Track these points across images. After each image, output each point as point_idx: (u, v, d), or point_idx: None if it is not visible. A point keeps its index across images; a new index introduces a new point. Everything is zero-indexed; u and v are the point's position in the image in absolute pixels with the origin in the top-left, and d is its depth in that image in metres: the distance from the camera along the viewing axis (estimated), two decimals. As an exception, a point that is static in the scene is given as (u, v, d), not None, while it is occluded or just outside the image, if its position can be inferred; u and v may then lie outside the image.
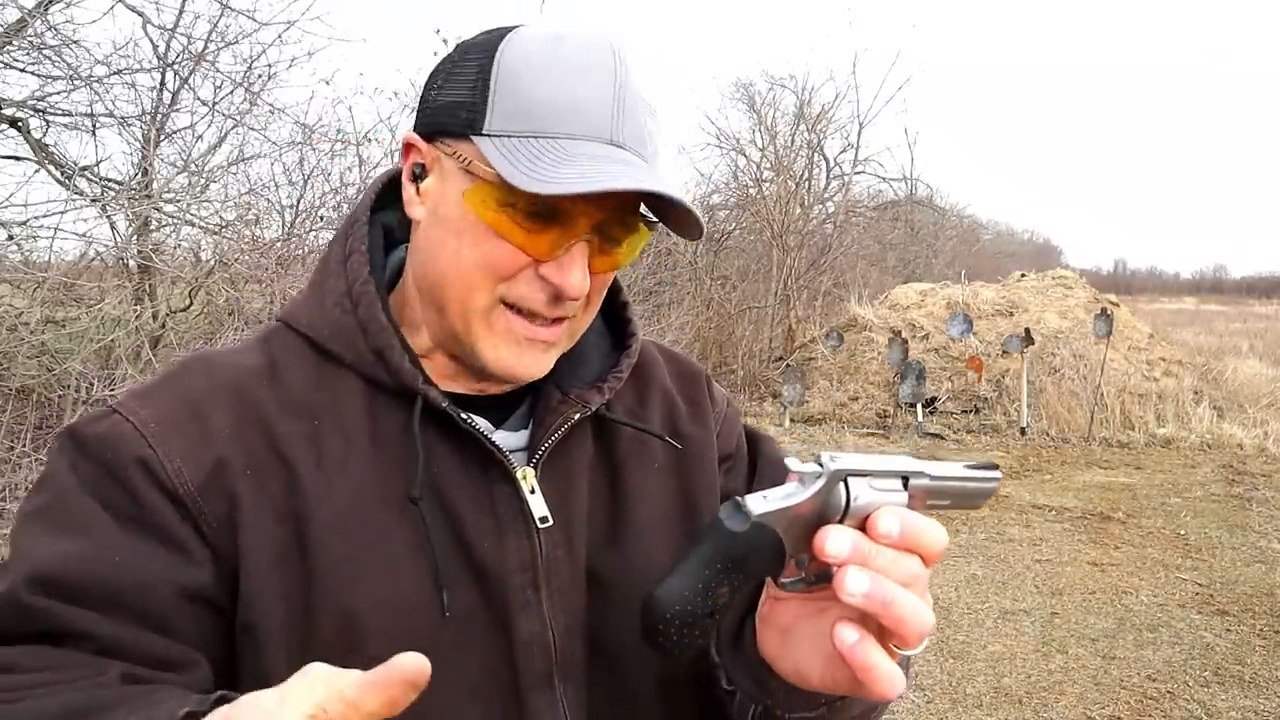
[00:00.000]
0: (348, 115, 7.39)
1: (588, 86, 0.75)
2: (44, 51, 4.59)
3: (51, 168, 4.94)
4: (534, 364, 0.80)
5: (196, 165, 5.43)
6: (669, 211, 0.77)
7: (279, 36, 5.30)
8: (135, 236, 5.24)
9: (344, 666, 0.63)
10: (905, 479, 0.66)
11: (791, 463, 0.65)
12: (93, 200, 4.90)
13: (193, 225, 5.42)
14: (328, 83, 7.59)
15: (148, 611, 0.69)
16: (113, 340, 4.74)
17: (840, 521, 0.63)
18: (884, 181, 16.16)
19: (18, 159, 4.94)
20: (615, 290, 0.94)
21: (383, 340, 0.78)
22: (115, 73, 4.90)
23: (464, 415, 0.78)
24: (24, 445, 4.47)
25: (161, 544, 0.70)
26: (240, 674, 0.72)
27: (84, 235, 4.83)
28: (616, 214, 0.76)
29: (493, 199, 0.74)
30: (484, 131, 0.74)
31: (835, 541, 0.62)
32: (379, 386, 0.79)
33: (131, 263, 5.32)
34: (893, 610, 0.61)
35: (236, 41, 5.32)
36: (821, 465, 0.64)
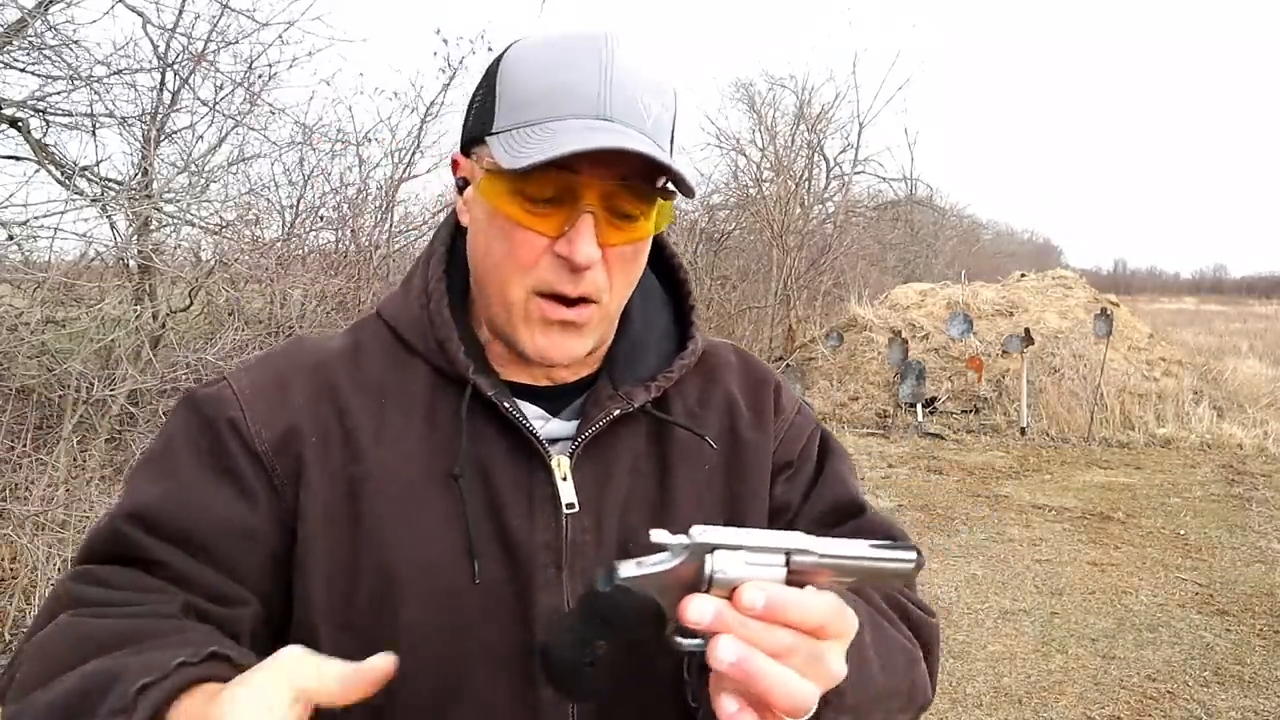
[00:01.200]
0: (348, 115, 7.38)
1: (573, 69, 0.80)
2: (44, 51, 4.59)
3: (51, 168, 4.93)
4: (566, 346, 0.85)
5: (196, 165, 5.43)
6: (678, 179, 0.80)
7: (279, 36, 5.30)
8: (135, 236, 5.24)
9: (378, 622, 0.82)
10: (788, 555, 0.66)
11: (661, 535, 0.66)
12: (93, 200, 4.90)
13: (193, 225, 5.42)
14: (328, 83, 7.57)
15: (214, 549, 0.80)
16: (113, 340, 4.74)
17: (706, 591, 0.64)
18: (884, 181, 16.18)
19: (18, 159, 4.94)
20: (686, 292, 0.99)
21: (444, 333, 0.87)
22: (115, 73, 4.90)
23: (507, 404, 0.85)
24: (24, 445, 4.46)
25: (236, 491, 0.82)
26: (291, 613, 0.83)
27: (84, 235, 4.83)
28: (623, 186, 0.80)
29: (503, 189, 0.81)
30: (494, 130, 0.82)
31: (695, 609, 0.63)
32: (441, 373, 0.88)
33: (131, 263, 5.31)
34: (758, 683, 0.61)
35: (236, 41, 5.32)
36: (690, 538, 0.65)
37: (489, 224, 0.84)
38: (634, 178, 0.80)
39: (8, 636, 4.14)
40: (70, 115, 4.91)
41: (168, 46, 5.15)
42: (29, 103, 4.70)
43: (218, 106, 5.38)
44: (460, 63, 6.68)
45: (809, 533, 0.73)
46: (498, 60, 0.86)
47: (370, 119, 6.93)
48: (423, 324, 0.89)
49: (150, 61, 5.14)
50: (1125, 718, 3.72)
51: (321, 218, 6.52)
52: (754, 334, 12.44)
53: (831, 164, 14.39)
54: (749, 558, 0.65)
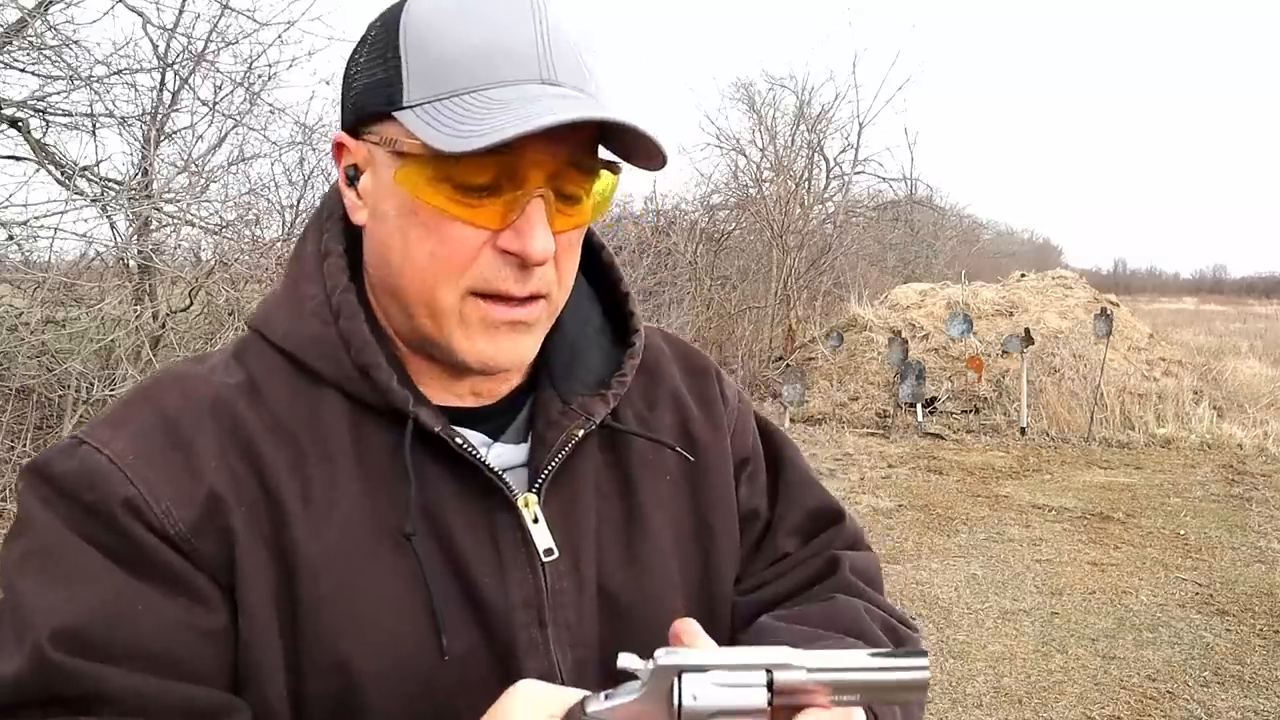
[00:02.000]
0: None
1: (505, 28, 0.66)
2: (44, 51, 4.59)
3: (51, 168, 4.93)
4: (514, 350, 0.72)
5: (196, 165, 5.43)
6: (632, 149, 0.70)
7: (279, 36, 5.30)
8: (135, 236, 5.24)
9: (339, 719, 0.68)
10: (770, 673, 0.58)
11: (629, 660, 0.59)
12: (93, 200, 4.90)
13: (193, 225, 5.43)
14: (328, 83, 7.55)
15: (177, 660, 0.64)
16: (113, 340, 4.74)
17: None
18: (884, 181, 16.19)
19: (18, 159, 4.94)
20: (616, 279, 0.86)
21: (368, 356, 0.71)
22: (115, 73, 4.90)
23: (459, 439, 0.71)
24: (24, 445, 4.47)
25: (171, 588, 0.65)
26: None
27: (84, 235, 4.83)
28: (569, 162, 0.68)
29: (425, 176, 0.66)
30: (404, 104, 0.67)
31: None
32: (365, 405, 0.72)
33: (131, 263, 5.32)
34: None
35: (236, 41, 5.33)
36: (654, 660, 0.58)
37: (404, 219, 0.68)
38: (584, 151, 0.68)
39: (8, 636, 4.14)
40: (70, 115, 4.91)
41: (168, 46, 5.15)
42: (29, 103, 4.70)
43: (218, 106, 5.39)
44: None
45: (789, 548, 0.70)
46: (395, 17, 0.69)
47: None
48: (332, 345, 0.72)
49: (150, 61, 5.15)
50: (1125, 718, 3.72)
51: (321, 218, 6.52)
52: (754, 334, 12.44)
53: (831, 164, 14.41)
54: (722, 678, 0.57)
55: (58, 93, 4.76)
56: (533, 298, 0.71)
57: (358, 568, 0.69)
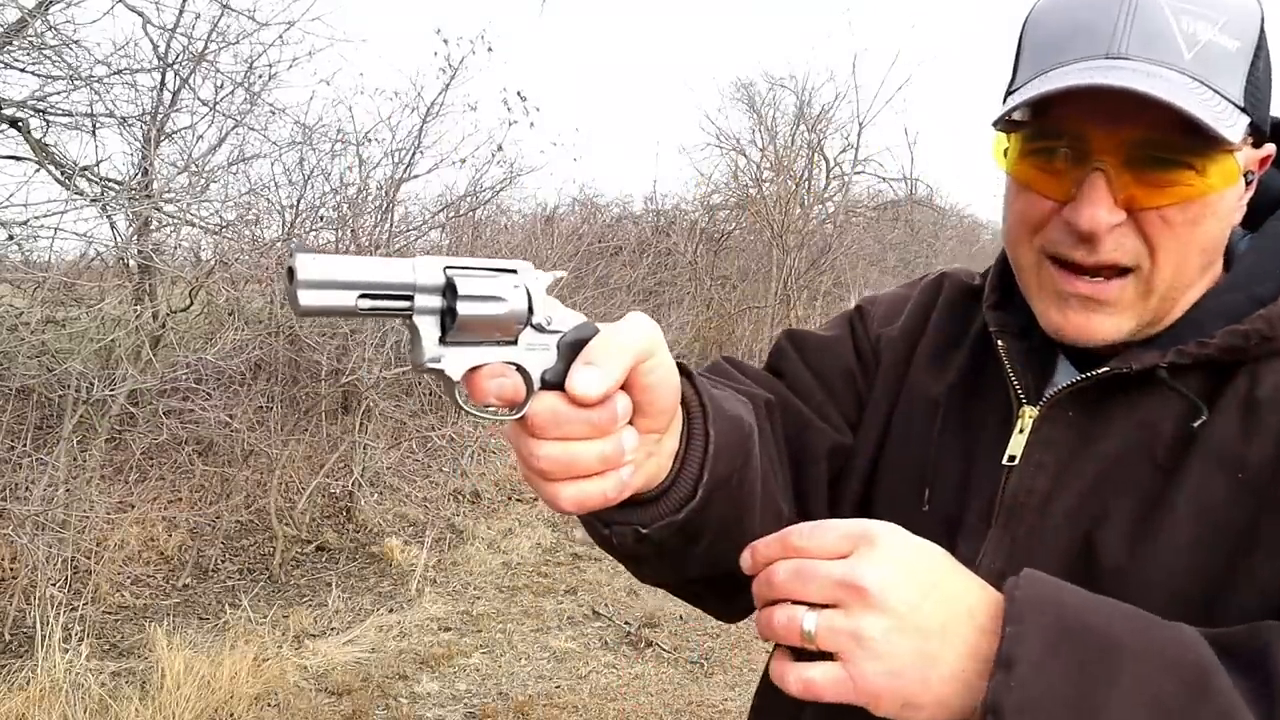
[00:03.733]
0: (348, 115, 7.36)
1: (1088, 10, 0.70)
2: (44, 51, 4.58)
3: (51, 168, 4.93)
4: (1086, 326, 0.74)
5: (197, 165, 5.42)
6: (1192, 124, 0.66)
7: (279, 37, 5.29)
8: (135, 236, 5.23)
9: (855, 504, 0.89)
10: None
11: None
12: (93, 200, 4.90)
13: (193, 225, 5.42)
14: (328, 83, 7.56)
15: (831, 378, 0.94)
16: (113, 340, 4.73)
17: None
18: (884, 181, 16.18)
19: (18, 159, 4.93)
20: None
21: (988, 283, 0.88)
22: (115, 73, 4.90)
23: (1002, 342, 0.82)
24: (24, 445, 4.46)
25: (859, 355, 0.96)
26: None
27: (84, 235, 4.83)
28: (1144, 139, 0.68)
29: (1015, 150, 0.76)
30: (1011, 88, 0.76)
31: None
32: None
33: (131, 263, 5.31)
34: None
35: (237, 41, 5.31)
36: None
37: (1009, 188, 0.78)
38: (1167, 128, 0.67)
39: (7, 636, 4.13)
40: (70, 115, 4.90)
41: (168, 46, 5.14)
42: (29, 103, 4.70)
43: (218, 106, 5.38)
44: (460, 63, 6.67)
45: None
46: (1031, 9, 0.77)
47: (370, 119, 6.91)
48: (990, 279, 0.90)
49: (150, 61, 5.14)
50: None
51: (321, 218, 6.52)
52: (754, 334, 12.43)
53: (831, 164, 14.39)
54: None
55: (58, 93, 4.76)
56: (1107, 272, 0.72)
57: (911, 412, 0.89)
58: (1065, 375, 0.80)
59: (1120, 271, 0.73)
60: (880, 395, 0.93)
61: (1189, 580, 0.71)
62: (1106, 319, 0.74)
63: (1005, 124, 0.76)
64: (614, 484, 0.62)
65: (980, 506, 0.79)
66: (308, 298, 0.55)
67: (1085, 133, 0.70)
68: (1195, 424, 0.72)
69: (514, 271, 0.63)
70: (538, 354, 0.62)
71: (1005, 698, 0.57)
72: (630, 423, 0.63)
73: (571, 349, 0.63)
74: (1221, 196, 0.71)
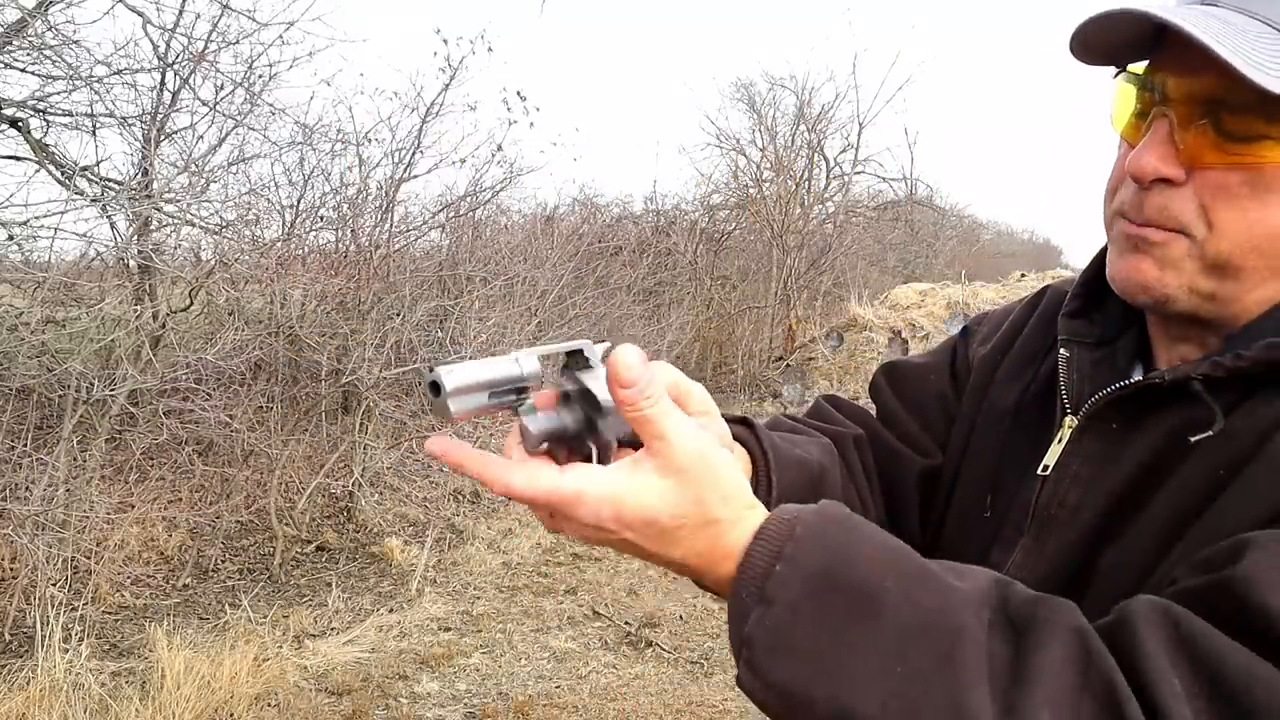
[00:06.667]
0: (348, 115, 7.36)
1: None
2: (44, 51, 4.58)
3: (52, 168, 4.93)
4: (1130, 268, 0.71)
5: (197, 165, 5.43)
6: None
7: (279, 37, 5.30)
8: (135, 236, 5.24)
9: (940, 518, 0.92)
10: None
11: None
12: (93, 200, 4.90)
13: (193, 225, 5.42)
14: (328, 83, 7.56)
15: (923, 405, 0.97)
16: (113, 340, 4.74)
17: None
18: (884, 181, 16.18)
19: (18, 159, 4.93)
20: None
21: (1070, 289, 0.86)
22: (115, 73, 4.90)
23: (1064, 350, 0.81)
24: (24, 445, 4.47)
25: (954, 376, 0.98)
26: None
27: (84, 235, 4.83)
28: (1212, 94, 0.64)
29: (1122, 104, 0.74)
30: None
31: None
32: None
33: (131, 263, 5.31)
34: None
35: (237, 41, 5.32)
36: None
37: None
38: (1241, 86, 0.60)
39: (8, 636, 4.14)
40: (70, 115, 4.91)
41: (168, 46, 5.15)
42: (29, 103, 4.70)
43: (218, 106, 5.38)
44: (460, 63, 6.67)
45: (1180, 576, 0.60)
46: None
47: (370, 119, 6.92)
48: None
49: (150, 61, 5.14)
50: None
51: (321, 218, 6.52)
52: (754, 334, 12.44)
53: (831, 164, 14.39)
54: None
55: (58, 93, 4.76)
56: (1157, 228, 0.69)
57: (988, 421, 0.90)
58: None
59: (1170, 231, 0.69)
60: (966, 412, 0.94)
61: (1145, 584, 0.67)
62: (1152, 266, 0.70)
63: (1126, 76, 0.73)
64: None
65: (1016, 516, 0.80)
66: (456, 405, 0.62)
67: (1163, 81, 0.67)
68: (1194, 438, 0.68)
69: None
70: (615, 419, 0.65)
71: (759, 633, 0.57)
72: None
73: (583, 397, 0.66)
74: None
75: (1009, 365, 0.92)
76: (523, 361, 0.64)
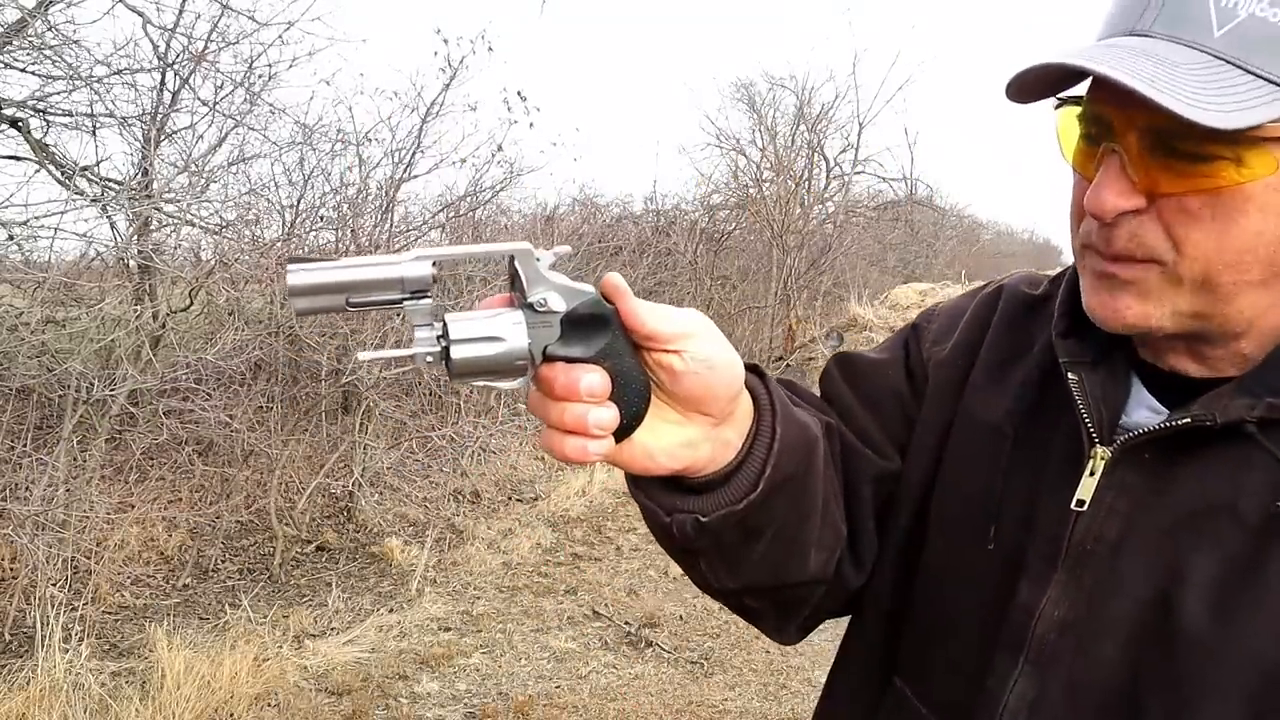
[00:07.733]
0: (348, 115, 7.36)
1: None
2: (44, 51, 4.58)
3: (52, 168, 4.93)
4: (1110, 305, 0.70)
5: (197, 165, 5.43)
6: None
7: (279, 37, 5.29)
8: (135, 236, 5.23)
9: (907, 548, 0.88)
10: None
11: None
12: (93, 200, 4.90)
13: (193, 225, 5.42)
14: (328, 83, 7.55)
15: (878, 402, 0.92)
16: (113, 340, 4.73)
17: None
18: (884, 181, 16.18)
19: (18, 159, 4.93)
20: None
21: (1057, 307, 0.83)
22: (115, 73, 4.90)
23: (1072, 375, 0.77)
24: (24, 445, 4.47)
25: (910, 374, 0.93)
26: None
27: (84, 235, 4.83)
28: (1154, 123, 0.64)
29: (1069, 131, 0.74)
30: None
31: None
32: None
33: (132, 263, 5.31)
34: None
35: (237, 41, 5.31)
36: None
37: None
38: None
39: (8, 636, 4.14)
40: (70, 115, 4.90)
41: (168, 46, 5.15)
42: (29, 103, 4.70)
43: (218, 106, 5.38)
44: (460, 63, 6.67)
45: None
46: None
47: (370, 119, 6.91)
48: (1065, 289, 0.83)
49: (150, 61, 5.14)
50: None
51: (321, 218, 6.52)
52: (754, 334, 12.44)
53: (831, 164, 14.39)
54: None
55: (58, 93, 4.76)
56: (1127, 260, 0.69)
57: (971, 439, 0.85)
58: (1138, 403, 0.76)
59: (1144, 262, 0.69)
60: (932, 419, 0.89)
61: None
62: (1133, 302, 0.70)
63: (1067, 102, 0.73)
64: (575, 449, 0.67)
65: (1044, 549, 0.76)
66: (300, 304, 0.62)
67: (1106, 114, 0.67)
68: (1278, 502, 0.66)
69: (515, 308, 0.67)
70: (539, 330, 0.67)
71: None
72: (661, 401, 0.71)
73: (573, 325, 0.67)
74: (1267, 188, 0.64)
75: (983, 373, 0.88)
76: (406, 265, 0.63)
